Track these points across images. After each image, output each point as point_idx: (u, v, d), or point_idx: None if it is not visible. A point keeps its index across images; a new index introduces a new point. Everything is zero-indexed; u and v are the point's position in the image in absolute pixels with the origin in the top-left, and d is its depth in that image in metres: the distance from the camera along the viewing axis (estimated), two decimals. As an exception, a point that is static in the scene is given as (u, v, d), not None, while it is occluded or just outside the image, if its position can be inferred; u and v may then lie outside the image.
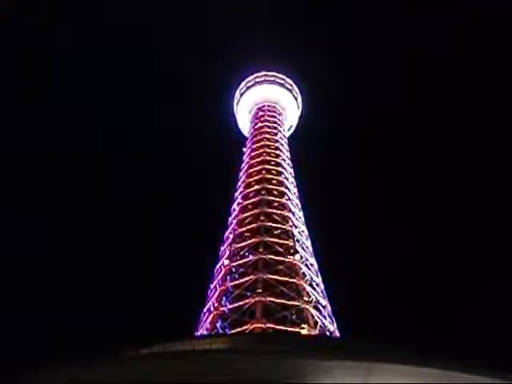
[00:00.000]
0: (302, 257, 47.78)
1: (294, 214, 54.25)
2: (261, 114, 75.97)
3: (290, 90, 79.76)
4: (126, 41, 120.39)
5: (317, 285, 46.66)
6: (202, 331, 40.94)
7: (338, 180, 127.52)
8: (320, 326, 40.56)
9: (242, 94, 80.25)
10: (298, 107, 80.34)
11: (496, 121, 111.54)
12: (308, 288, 44.07)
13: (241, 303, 41.06)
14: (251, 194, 56.88)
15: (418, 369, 20.48)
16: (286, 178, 60.94)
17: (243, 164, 66.03)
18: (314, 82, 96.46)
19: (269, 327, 37.35)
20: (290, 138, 77.73)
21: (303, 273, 46.00)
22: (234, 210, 57.02)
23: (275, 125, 73.23)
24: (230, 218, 56.45)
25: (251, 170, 61.84)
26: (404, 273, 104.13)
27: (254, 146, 67.54)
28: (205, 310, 44.29)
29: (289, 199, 56.48)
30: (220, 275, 46.56)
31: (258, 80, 79.72)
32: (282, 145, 69.73)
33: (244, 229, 51.02)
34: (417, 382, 20.20)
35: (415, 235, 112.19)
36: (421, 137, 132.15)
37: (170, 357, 21.27)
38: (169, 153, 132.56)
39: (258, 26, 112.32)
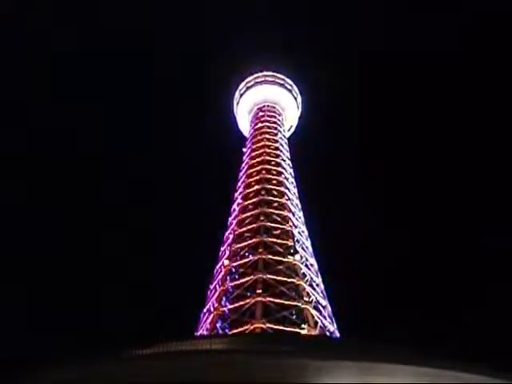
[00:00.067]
0: (301, 257, 47.78)
1: (293, 214, 54.26)
2: (261, 114, 76.02)
3: (290, 91, 79.81)
4: (126, 41, 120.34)
5: (317, 285, 46.68)
6: (201, 331, 40.95)
7: (338, 180, 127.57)
8: (320, 327, 40.55)
9: (241, 95, 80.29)
10: (298, 107, 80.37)
11: (497, 121, 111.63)
12: (308, 288, 44.06)
13: (241, 303, 41.02)
14: (251, 195, 56.89)
15: (417, 369, 20.46)
16: (286, 178, 60.95)
17: (243, 164, 66.05)
18: (314, 82, 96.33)
19: (269, 327, 37.32)
20: (290, 138, 77.86)
21: (303, 273, 46.00)
22: (234, 210, 57.03)
23: (275, 125, 73.26)
24: (229, 219, 56.46)
25: (251, 171, 61.84)
26: (404, 273, 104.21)
27: (254, 147, 67.57)
28: (205, 310, 44.30)
29: (289, 199, 56.49)
30: (220, 275, 46.57)
31: (257, 80, 79.77)
32: (282, 145, 69.75)
33: (244, 229, 51.02)
34: (417, 382, 20.19)
35: (415, 235, 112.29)
36: (421, 137, 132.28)
37: (170, 357, 21.24)
38: (169, 153, 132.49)
39: (258, 26, 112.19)
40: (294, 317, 40.17)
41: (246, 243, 48.59)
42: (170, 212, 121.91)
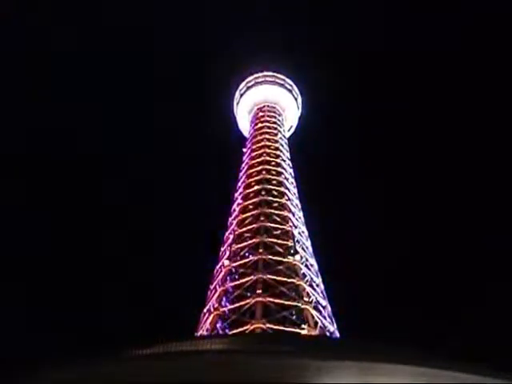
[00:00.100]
0: (302, 257, 47.78)
1: (293, 214, 54.28)
2: (261, 114, 76.05)
3: (290, 91, 79.89)
4: (126, 41, 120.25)
5: (317, 285, 46.69)
6: (201, 332, 40.93)
7: (338, 180, 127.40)
8: (320, 327, 40.54)
9: (241, 95, 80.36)
10: (298, 108, 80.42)
11: (497, 121, 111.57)
12: (308, 288, 44.06)
13: (241, 303, 41.01)
14: (251, 195, 56.89)
15: (417, 369, 20.42)
16: (286, 179, 60.96)
17: (243, 164, 66.06)
18: (314, 82, 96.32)
19: (269, 328, 37.30)
20: (290, 139, 77.87)
21: (303, 273, 46.01)
22: (234, 210, 57.04)
23: (275, 125, 73.30)
24: (229, 219, 56.46)
25: (251, 171, 61.85)
26: (404, 273, 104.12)
27: (254, 147, 67.57)
28: (205, 310, 44.29)
29: (289, 199, 56.51)
30: (220, 276, 46.57)
31: (258, 80, 79.85)
32: (282, 145, 69.77)
33: (244, 229, 51.03)
34: (417, 382, 20.18)
35: (415, 235, 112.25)
36: (421, 137, 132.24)
37: (170, 357, 21.22)
38: (169, 153, 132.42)
39: (258, 26, 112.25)
40: (294, 317, 40.17)
41: (246, 243, 48.60)
42: (170, 212, 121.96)
